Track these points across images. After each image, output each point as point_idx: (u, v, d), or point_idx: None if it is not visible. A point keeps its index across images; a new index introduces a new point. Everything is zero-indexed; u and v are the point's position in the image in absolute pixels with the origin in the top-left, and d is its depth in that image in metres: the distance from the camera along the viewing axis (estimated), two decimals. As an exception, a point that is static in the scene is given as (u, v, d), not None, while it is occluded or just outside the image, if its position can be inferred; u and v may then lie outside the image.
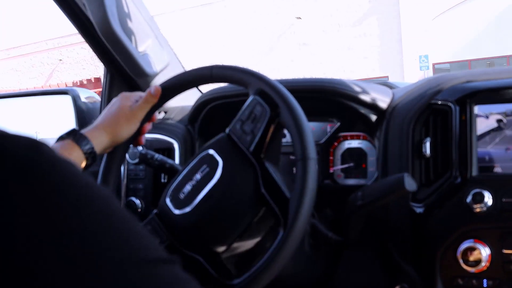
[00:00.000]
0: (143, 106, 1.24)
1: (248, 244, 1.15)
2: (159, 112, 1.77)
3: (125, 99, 1.25)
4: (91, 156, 1.12)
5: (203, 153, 1.17)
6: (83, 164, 1.11)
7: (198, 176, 1.14)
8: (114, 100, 1.25)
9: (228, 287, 1.04)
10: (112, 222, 0.44)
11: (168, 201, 1.15)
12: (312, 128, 1.56)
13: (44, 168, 0.42)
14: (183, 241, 1.12)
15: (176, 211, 1.12)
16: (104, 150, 1.22)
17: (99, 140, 1.16)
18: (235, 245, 1.12)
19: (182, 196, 1.13)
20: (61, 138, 1.11)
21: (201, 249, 1.10)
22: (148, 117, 1.28)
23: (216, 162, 1.13)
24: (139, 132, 1.29)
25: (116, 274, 0.41)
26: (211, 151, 1.16)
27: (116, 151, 1.27)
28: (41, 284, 0.38)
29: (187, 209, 1.11)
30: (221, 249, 1.11)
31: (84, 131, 1.16)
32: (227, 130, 1.18)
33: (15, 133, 0.43)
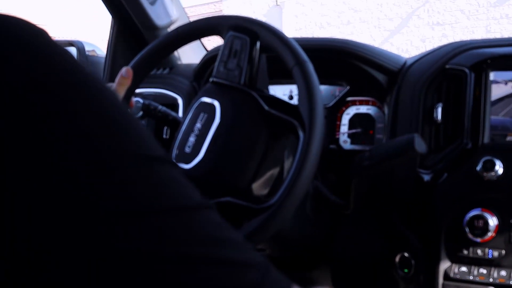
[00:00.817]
0: (117, 89, 1.22)
1: (272, 170, 1.13)
2: (164, 68, 1.74)
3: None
4: None
5: (197, 103, 1.15)
6: None
7: (198, 125, 1.11)
8: None
9: (265, 210, 1.00)
10: (111, 114, 0.41)
11: (175, 161, 1.12)
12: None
13: (44, 50, 0.39)
14: (205, 192, 1.08)
15: (187, 166, 1.09)
16: None
17: None
18: (260, 174, 1.09)
19: (188, 150, 1.10)
20: None
21: (226, 190, 1.06)
22: (126, 100, 1.26)
23: (212, 106, 1.11)
24: None
25: (114, 168, 0.39)
26: (204, 98, 1.13)
27: None
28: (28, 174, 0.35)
29: (198, 159, 1.08)
30: (246, 182, 1.08)
31: None
32: (211, 79, 1.16)
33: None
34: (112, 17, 1.72)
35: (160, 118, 1.41)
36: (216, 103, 1.10)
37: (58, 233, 0.36)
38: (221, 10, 13.72)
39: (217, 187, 1.07)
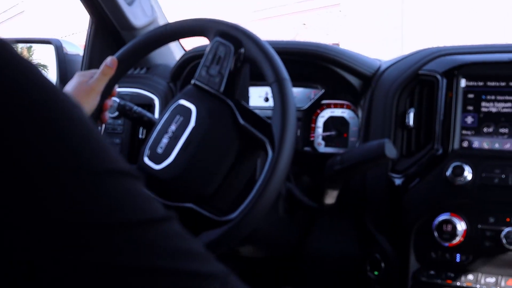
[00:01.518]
0: (100, 78, 1.23)
1: (238, 184, 1.13)
2: (142, 68, 1.74)
3: (82, 75, 1.25)
4: None
5: (174, 105, 1.15)
6: None
7: (173, 127, 1.12)
8: (71, 80, 1.24)
9: (224, 223, 1.01)
10: (71, 127, 0.41)
11: (146, 159, 1.12)
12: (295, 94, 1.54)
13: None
14: (170, 195, 1.09)
15: (157, 167, 1.10)
16: None
17: None
18: (226, 185, 1.10)
19: (160, 150, 1.11)
20: None
21: (190, 196, 1.07)
22: (108, 90, 1.27)
23: (189, 110, 1.11)
24: (101, 108, 1.27)
25: (72, 183, 0.38)
26: (182, 101, 1.14)
27: None
28: None
29: (168, 161, 1.09)
30: (210, 192, 1.09)
31: None
32: (193, 81, 1.16)
33: None
34: (90, 16, 1.72)
35: (135, 118, 1.42)
36: (193, 108, 1.11)
37: (10, 242, 0.35)
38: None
39: (182, 192, 1.08)
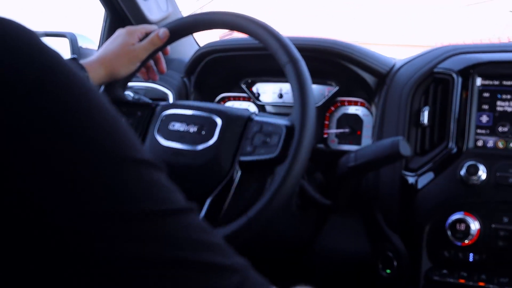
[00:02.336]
0: (147, 47, 1.22)
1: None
2: None
3: (130, 35, 1.23)
4: None
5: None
6: None
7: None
8: (118, 33, 1.23)
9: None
10: (96, 116, 0.42)
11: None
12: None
13: (33, 52, 0.40)
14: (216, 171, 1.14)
15: (200, 147, 1.15)
16: (100, 83, 1.20)
17: (96, 73, 1.14)
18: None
19: (204, 132, 1.17)
20: None
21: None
22: (150, 58, 1.26)
23: (213, 122, 1.17)
24: (134, 75, 1.27)
25: (99, 170, 0.39)
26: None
27: (113, 86, 1.26)
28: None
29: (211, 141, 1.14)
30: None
31: (83, 61, 1.14)
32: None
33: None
34: (105, 10, 1.72)
35: None
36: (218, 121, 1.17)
37: (38, 231, 0.36)
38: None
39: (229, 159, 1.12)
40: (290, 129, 1.08)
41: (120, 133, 0.42)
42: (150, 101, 1.42)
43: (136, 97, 1.39)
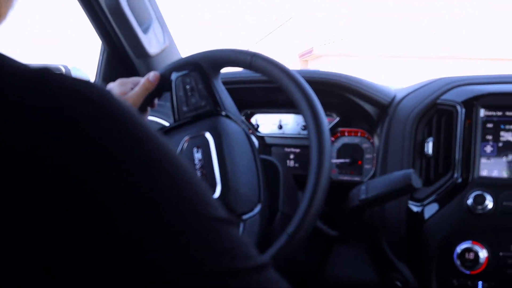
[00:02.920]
0: (140, 93, 1.22)
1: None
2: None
3: (122, 86, 1.23)
4: None
5: (181, 145, 1.18)
6: None
7: (197, 161, 1.14)
8: (110, 86, 1.23)
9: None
10: (180, 175, 0.42)
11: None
12: None
13: (113, 111, 0.41)
14: (239, 208, 1.12)
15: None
16: None
17: None
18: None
19: None
20: None
21: (255, 200, 1.12)
22: (146, 104, 1.26)
23: (201, 136, 1.15)
24: None
25: (183, 227, 0.40)
26: (187, 137, 1.18)
27: None
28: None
29: (219, 189, 1.10)
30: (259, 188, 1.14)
31: None
32: (175, 124, 1.22)
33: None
34: (102, 42, 1.72)
35: None
36: (204, 132, 1.14)
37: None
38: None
39: (247, 201, 1.09)
40: None
41: (199, 189, 0.43)
42: None
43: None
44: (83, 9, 1.62)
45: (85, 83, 0.41)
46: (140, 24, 1.58)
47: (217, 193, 1.09)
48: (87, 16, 1.63)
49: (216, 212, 0.43)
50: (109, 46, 1.70)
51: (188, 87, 1.17)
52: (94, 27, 1.65)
